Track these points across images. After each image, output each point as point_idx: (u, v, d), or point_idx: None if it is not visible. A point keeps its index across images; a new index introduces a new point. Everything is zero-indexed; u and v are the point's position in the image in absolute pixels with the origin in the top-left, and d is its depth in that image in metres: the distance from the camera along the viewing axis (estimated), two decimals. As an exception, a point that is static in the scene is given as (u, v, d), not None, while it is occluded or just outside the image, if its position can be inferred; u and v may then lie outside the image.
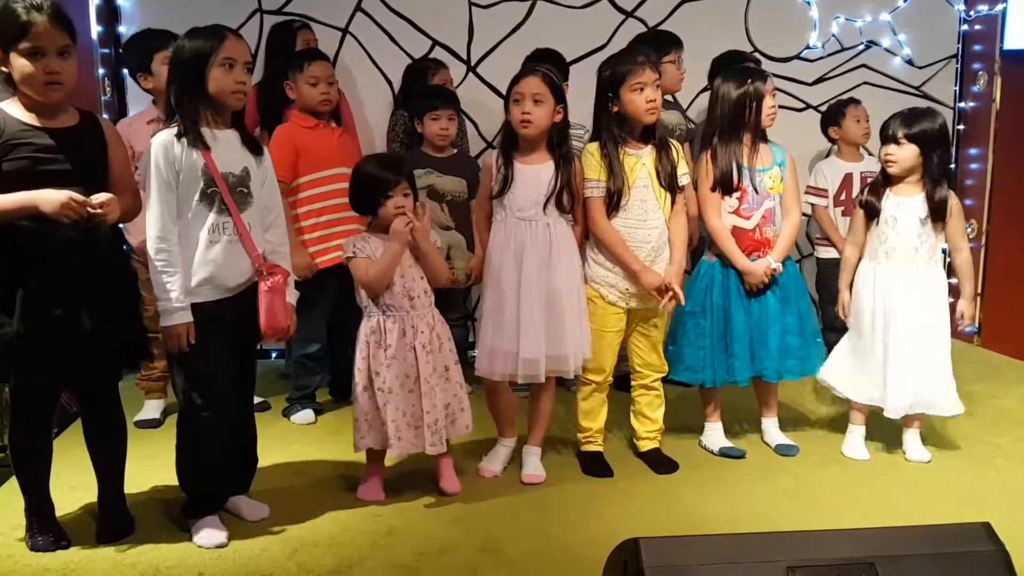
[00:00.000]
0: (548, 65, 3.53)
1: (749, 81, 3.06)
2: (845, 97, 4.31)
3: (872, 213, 3.15)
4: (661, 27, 4.31)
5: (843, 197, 4.07)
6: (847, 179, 4.10)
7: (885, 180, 3.15)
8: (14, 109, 2.34)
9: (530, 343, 2.87)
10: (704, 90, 4.19)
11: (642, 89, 2.90)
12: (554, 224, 2.91)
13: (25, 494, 2.52)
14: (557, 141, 2.93)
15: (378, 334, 2.78)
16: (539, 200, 2.89)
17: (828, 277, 3.92)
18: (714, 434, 3.27)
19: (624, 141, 2.96)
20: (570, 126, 3.66)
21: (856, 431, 3.25)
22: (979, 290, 4.70)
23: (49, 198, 2.25)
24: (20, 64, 2.28)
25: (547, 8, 4.47)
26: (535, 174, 2.91)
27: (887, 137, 3.10)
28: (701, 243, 3.54)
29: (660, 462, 3.11)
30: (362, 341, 2.80)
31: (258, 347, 2.76)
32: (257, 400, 3.67)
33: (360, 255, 2.76)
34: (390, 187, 2.75)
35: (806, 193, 4.19)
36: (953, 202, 3.08)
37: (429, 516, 2.77)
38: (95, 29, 4.06)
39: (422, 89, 3.83)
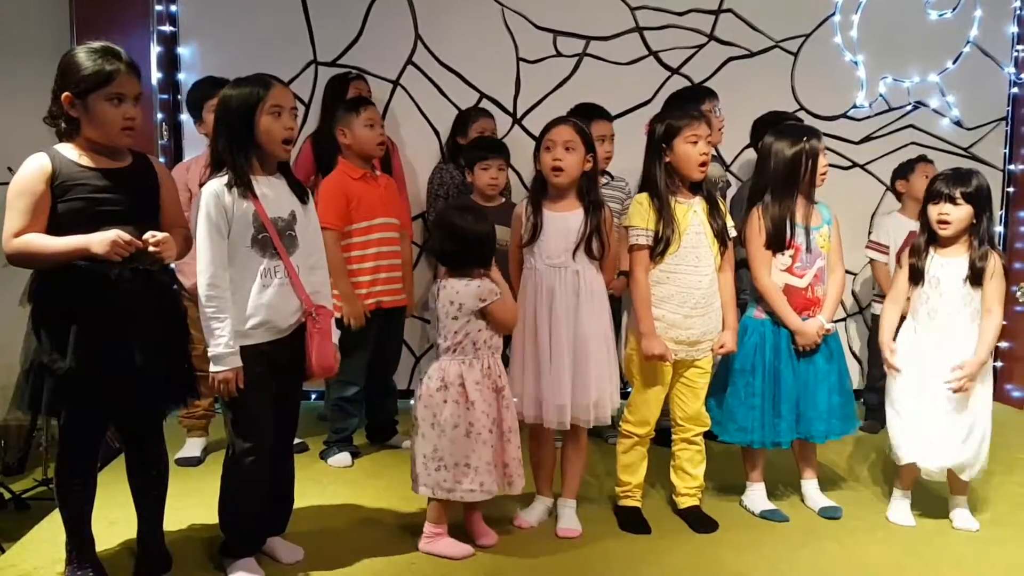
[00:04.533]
0: (588, 117, 3.58)
1: (805, 139, 3.04)
2: (916, 155, 4.35)
3: (916, 275, 3.09)
4: (706, 84, 4.35)
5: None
6: (911, 237, 4.05)
7: (929, 240, 3.09)
8: (69, 151, 2.40)
9: (558, 389, 2.87)
10: (747, 147, 4.20)
11: (695, 142, 2.92)
12: (583, 271, 2.91)
13: (67, 528, 2.54)
14: (587, 188, 2.95)
15: (486, 373, 2.77)
16: (568, 247, 2.90)
17: None
18: (756, 495, 3.21)
19: (674, 192, 2.97)
20: (614, 178, 3.73)
21: (901, 496, 3.17)
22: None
23: (99, 239, 2.29)
24: (101, 109, 2.35)
25: (593, 64, 4.54)
26: (564, 221, 2.92)
27: (942, 196, 3.00)
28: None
29: (700, 520, 3.06)
30: (435, 383, 2.76)
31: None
32: (295, 441, 3.70)
33: (498, 298, 2.79)
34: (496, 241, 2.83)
35: (867, 248, 4.22)
36: (995, 264, 3.00)
37: (463, 567, 2.74)
38: (155, 75, 4.21)
39: (474, 140, 3.91)
